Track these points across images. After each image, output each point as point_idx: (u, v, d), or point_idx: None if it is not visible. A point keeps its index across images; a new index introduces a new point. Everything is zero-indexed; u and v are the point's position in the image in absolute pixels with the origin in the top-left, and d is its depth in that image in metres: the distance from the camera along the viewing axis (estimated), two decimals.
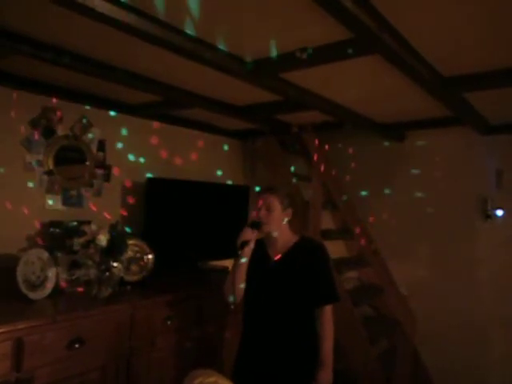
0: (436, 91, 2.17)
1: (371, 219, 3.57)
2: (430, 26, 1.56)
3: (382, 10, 1.43)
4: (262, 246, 2.07)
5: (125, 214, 2.85)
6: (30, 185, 2.44)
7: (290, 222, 2.07)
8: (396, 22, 1.52)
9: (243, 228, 1.99)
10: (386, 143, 3.55)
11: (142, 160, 2.99)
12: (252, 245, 1.97)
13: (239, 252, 1.93)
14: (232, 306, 2.63)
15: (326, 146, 3.40)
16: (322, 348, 1.94)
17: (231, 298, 2.00)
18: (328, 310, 1.97)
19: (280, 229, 2.03)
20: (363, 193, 3.62)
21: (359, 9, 1.36)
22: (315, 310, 1.98)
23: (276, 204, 1.99)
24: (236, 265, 1.99)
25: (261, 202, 2.00)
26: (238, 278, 1.98)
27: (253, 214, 2.02)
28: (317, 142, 3.26)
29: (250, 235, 1.96)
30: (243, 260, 1.97)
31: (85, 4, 1.35)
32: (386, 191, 3.56)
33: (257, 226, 1.97)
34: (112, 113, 2.82)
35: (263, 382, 1.95)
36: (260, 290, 1.99)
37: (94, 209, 2.70)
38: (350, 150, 3.70)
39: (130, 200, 2.89)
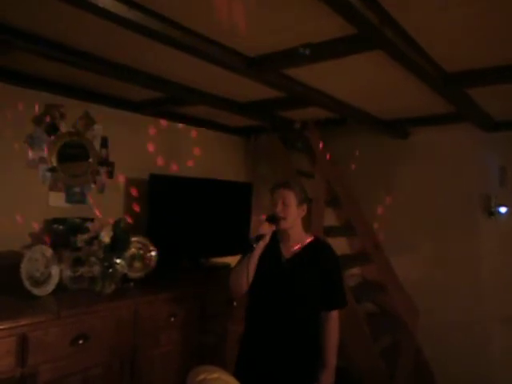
0: (439, 87, 2.16)
1: (374, 216, 3.57)
2: (433, 21, 1.55)
3: (385, 5, 1.43)
4: (275, 241, 2.04)
5: (128, 210, 2.86)
6: (34, 182, 2.45)
7: (303, 218, 2.05)
8: (399, 18, 1.51)
9: (261, 221, 1.96)
10: (390, 140, 3.53)
11: (144, 157, 2.99)
12: (267, 239, 1.94)
13: (254, 245, 1.90)
14: (235, 303, 2.64)
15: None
16: (327, 350, 1.96)
17: (239, 289, 1.99)
18: (335, 313, 1.99)
19: (295, 225, 2.01)
20: (366, 189, 3.62)
21: (362, 4, 1.35)
22: (322, 312, 1.99)
23: (292, 199, 1.97)
24: (249, 257, 1.93)
25: (277, 197, 1.98)
26: (250, 270, 1.94)
27: (276, 209, 1.97)
28: (320, 140, 3.26)
29: (266, 229, 1.93)
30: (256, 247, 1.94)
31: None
32: (389, 188, 3.55)
33: (274, 220, 1.94)
34: (115, 110, 2.83)
35: (265, 380, 1.95)
36: (268, 286, 1.98)
37: (97, 206, 2.71)
38: (353, 147, 3.70)
39: (133, 197, 2.91)
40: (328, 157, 3.35)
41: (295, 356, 1.94)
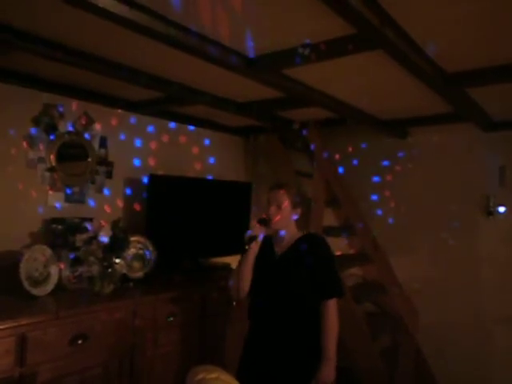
0: (439, 87, 2.16)
1: (373, 216, 3.57)
2: (433, 22, 1.55)
3: (385, 5, 1.43)
4: (269, 244, 2.06)
5: (127, 210, 2.86)
6: (33, 181, 2.44)
7: (297, 220, 2.06)
8: (399, 18, 1.52)
9: (251, 223, 1.98)
10: (389, 140, 3.54)
11: (143, 157, 2.99)
12: (259, 240, 1.95)
13: (246, 247, 1.92)
14: (234, 303, 2.64)
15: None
16: (325, 343, 1.93)
17: (236, 293, 2.00)
18: (332, 304, 1.95)
19: (288, 227, 2.03)
20: (365, 189, 3.62)
21: (362, 4, 1.35)
22: (320, 304, 1.97)
23: (286, 201, 1.98)
24: (243, 259, 1.97)
25: (272, 198, 1.99)
26: (245, 272, 1.97)
27: (269, 211, 1.99)
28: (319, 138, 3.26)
29: (257, 230, 1.94)
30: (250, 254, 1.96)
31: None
32: (389, 188, 3.55)
33: (265, 222, 1.96)
34: (114, 109, 2.82)
35: (268, 377, 1.95)
36: (265, 286, 1.99)
37: (96, 205, 2.70)
38: (353, 147, 3.70)
39: (132, 197, 2.90)
40: (327, 157, 3.35)
41: (295, 351, 1.95)
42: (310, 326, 1.98)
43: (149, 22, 1.52)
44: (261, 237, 1.96)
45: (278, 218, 1.97)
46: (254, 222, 1.98)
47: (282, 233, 2.02)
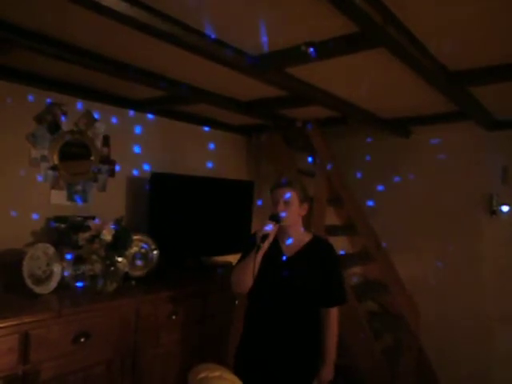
0: (442, 85, 2.15)
1: (376, 214, 3.56)
2: (436, 20, 1.55)
3: (388, 2, 1.42)
4: (275, 241, 2.04)
5: (129, 209, 2.86)
6: (35, 180, 2.45)
7: (302, 217, 2.07)
8: (401, 16, 1.51)
9: (266, 221, 1.96)
10: (391, 139, 3.53)
11: (146, 155, 2.99)
12: (271, 238, 1.94)
13: (261, 244, 1.90)
14: (237, 301, 2.64)
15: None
16: (327, 346, 1.99)
17: (240, 288, 1.99)
18: (335, 310, 2.02)
19: (296, 223, 2.03)
20: (368, 188, 3.61)
21: (365, 2, 1.35)
22: (322, 309, 2.02)
23: (294, 198, 1.98)
24: (255, 257, 1.92)
25: (278, 196, 1.98)
26: (253, 269, 1.92)
27: (277, 208, 1.98)
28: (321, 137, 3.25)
29: (270, 227, 1.93)
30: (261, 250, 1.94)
31: None
32: (391, 187, 3.54)
33: (277, 219, 1.95)
34: (117, 108, 2.83)
35: (267, 377, 1.96)
36: (270, 285, 1.98)
37: (99, 204, 2.71)
38: (355, 146, 3.70)
39: (135, 195, 2.91)
40: (329, 155, 3.34)
41: (296, 352, 1.97)
42: (312, 327, 2.00)
43: (152, 20, 1.51)
44: (273, 234, 1.94)
45: (287, 214, 1.96)
46: (268, 220, 1.96)
47: (290, 229, 2.02)
